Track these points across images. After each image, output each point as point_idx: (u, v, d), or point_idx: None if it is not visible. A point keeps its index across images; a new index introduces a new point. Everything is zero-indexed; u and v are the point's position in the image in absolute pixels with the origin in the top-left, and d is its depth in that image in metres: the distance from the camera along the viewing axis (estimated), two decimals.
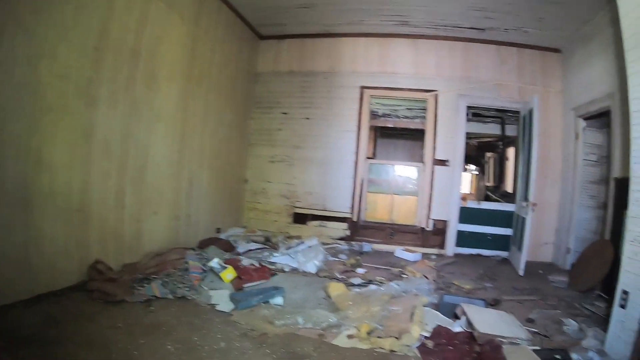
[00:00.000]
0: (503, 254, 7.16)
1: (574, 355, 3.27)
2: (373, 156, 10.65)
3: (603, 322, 3.86)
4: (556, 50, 7.20)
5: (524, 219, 6.20)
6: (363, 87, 7.38)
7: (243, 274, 4.44)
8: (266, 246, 6.00)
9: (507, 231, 7.21)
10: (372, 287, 4.54)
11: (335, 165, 7.41)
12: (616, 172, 5.19)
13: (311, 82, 7.47)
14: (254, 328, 3.33)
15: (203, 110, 5.89)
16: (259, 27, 7.30)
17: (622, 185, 4.47)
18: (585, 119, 6.39)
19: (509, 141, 9.82)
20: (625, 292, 3.44)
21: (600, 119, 6.10)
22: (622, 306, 3.43)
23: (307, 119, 7.44)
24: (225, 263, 4.48)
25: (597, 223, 6.27)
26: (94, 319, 3.24)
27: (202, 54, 5.76)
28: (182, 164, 5.47)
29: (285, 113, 7.52)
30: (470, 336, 3.41)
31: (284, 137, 7.52)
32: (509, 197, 8.44)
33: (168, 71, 5.06)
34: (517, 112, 7.35)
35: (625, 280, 3.48)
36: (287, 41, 7.62)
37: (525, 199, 6.26)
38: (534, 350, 3.28)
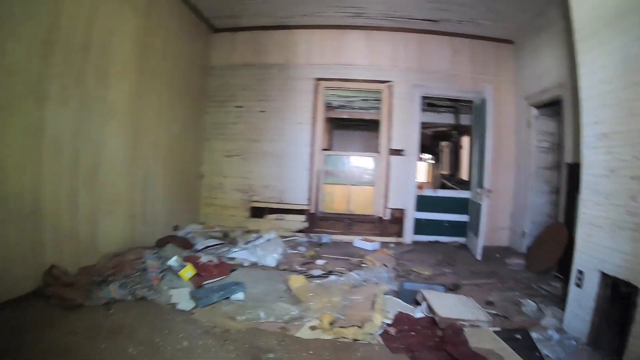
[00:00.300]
0: (460, 239, 7.28)
1: (533, 335, 3.34)
2: (329, 148, 10.64)
3: (560, 301, 3.96)
4: (509, 42, 7.34)
5: (479, 205, 6.30)
6: (318, 79, 7.29)
7: (202, 271, 4.32)
8: (225, 242, 5.87)
9: (463, 217, 7.33)
10: (333, 277, 4.51)
11: (292, 158, 7.32)
12: (568, 158, 5.35)
13: (266, 75, 7.32)
14: (216, 325, 3.26)
15: (157, 105, 5.65)
16: (212, 19, 7.09)
17: (574, 170, 4.60)
18: (537, 107, 6.55)
19: (463, 130, 10.01)
20: (580, 272, 3.53)
21: (551, 107, 6.25)
22: (578, 285, 3.52)
23: (262, 112, 7.30)
24: (184, 261, 4.36)
25: (551, 207, 6.47)
26: (54, 325, 3.08)
27: (155, 47, 5.53)
28: (136, 161, 5.24)
29: (240, 106, 7.34)
30: (431, 321, 3.44)
31: (239, 130, 7.35)
32: (465, 185, 8.60)
33: (120, 65, 4.81)
34: (471, 102, 7.44)
35: (579, 260, 3.59)
36: (242, 34, 7.44)
37: (480, 185, 6.36)
38: (495, 332, 3.33)
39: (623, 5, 3.05)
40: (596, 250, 3.36)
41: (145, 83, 5.32)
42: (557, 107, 5.86)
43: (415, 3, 6.28)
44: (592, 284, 3.33)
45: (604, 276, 3.23)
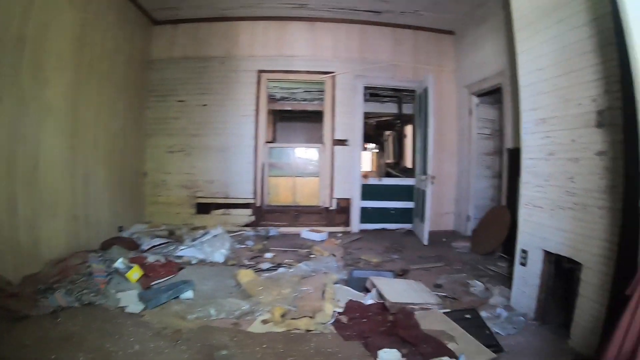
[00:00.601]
0: (407, 226, 7.41)
1: (483, 313, 3.45)
2: (273, 140, 10.57)
3: (507, 280, 4.12)
4: (450, 32, 7.52)
5: (424, 192, 6.45)
6: (260, 71, 7.16)
7: (150, 272, 4.18)
8: (171, 240, 5.69)
9: (409, 204, 7.47)
10: (282, 270, 4.49)
11: (235, 152, 7.17)
12: (508, 143, 5.56)
13: (207, 68, 7.12)
14: (167, 326, 3.15)
15: (95, 101, 5.35)
16: (152, 11, 6.78)
17: (514, 155, 4.79)
18: (478, 95, 6.77)
19: (406, 119, 10.19)
20: (524, 251, 3.68)
21: (492, 95, 6.48)
22: (523, 264, 3.67)
23: (204, 105, 7.09)
24: (130, 262, 4.19)
25: (494, 191, 6.73)
26: (1, 339, 2.87)
27: (93, 41, 5.22)
28: (76, 161, 4.94)
29: (181, 101, 7.10)
30: (382, 307, 3.46)
31: (181, 125, 7.11)
32: (409, 172, 8.78)
33: (56, 60, 4.50)
34: (413, 91, 7.57)
35: (523, 240, 3.76)
36: (182, 26, 7.17)
37: (424, 172, 6.50)
38: (445, 313, 3.42)
39: None
40: (538, 229, 3.52)
41: (83, 78, 5.02)
42: (498, 95, 6.08)
43: None
44: (536, 262, 3.50)
45: (547, 254, 3.39)
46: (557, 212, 3.28)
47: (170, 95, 7.05)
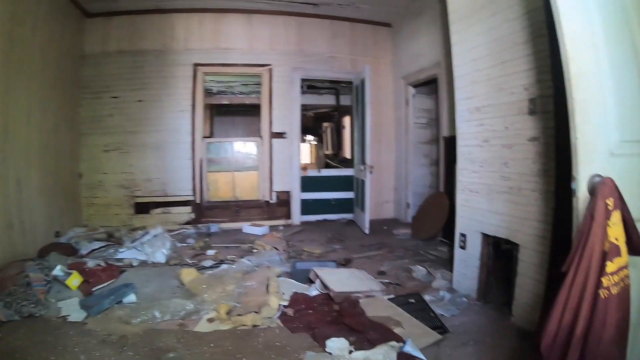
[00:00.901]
0: (348, 216, 7.52)
1: (426, 297, 3.58)
2: (211, 135, 10.36)
3: (448, 264, 4.27)
4: (387, 25, 7.66)
5: (363, 182, 6.57)
6: (197, 65, 6.96)
7: (90, 277, 3.99)
8: (110, 243, 5.47)
9: (349, 194, 7.57)
10: (224, 266, 4.44)
11: (172, 148, 6.95)
12: (445, 132, 5.76)
13: (143, 62, 6.81)
14: (112, 332, 3.03)
15: (26, 100, 4.97)
16: (85, 3, 6.35)
17: (451, 143, 4.97)
18: (415, 86, 6.95)
19: (344, 110, 10.30)
20: (463, 235, 3.84)
21: (428, 85, 6.68)
22: (462, 247, 3.82)
23: (140, 101, 6.79)
24: (69, 268, 3.96)
25: (432, 178, 6.96)
26: None
27: (22, 35, 4.84)
28: (7, 164, 4.56)
29: (116, 97, 6.75)
30: (327, 297, 3.50)
31: (116, 122, 6.76)
32: (348, 163, 8.87)
33: None
34: (351, 83, 7.65)
35: (461, 224, 3.92)
36: (117, 19, 6.79)
37: (363, 162, 6.61)
38: (390, 299, 3.51)
39: None
40: (475, 213, 3.68)
41: (12, 76, 4.65)
42: (434, 85, 6.28)
43: None
44: (475, 245, 3.65)
45: (485, 236, 3.55)
46: (493, 196, 3.44)
47: (105, 92, 6.67)
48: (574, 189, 1.82)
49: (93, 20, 6.70)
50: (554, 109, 2.73)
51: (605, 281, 1.61)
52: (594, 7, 1.83)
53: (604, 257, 1.63)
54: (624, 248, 1.65)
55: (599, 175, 1.73)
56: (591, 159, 1.79)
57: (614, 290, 1.63)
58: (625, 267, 1.66)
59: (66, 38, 6.04)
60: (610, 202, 1.64)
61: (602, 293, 1.62)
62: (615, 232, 1.63)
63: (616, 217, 1.64)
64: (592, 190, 1.73)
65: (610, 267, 1.62)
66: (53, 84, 5.66)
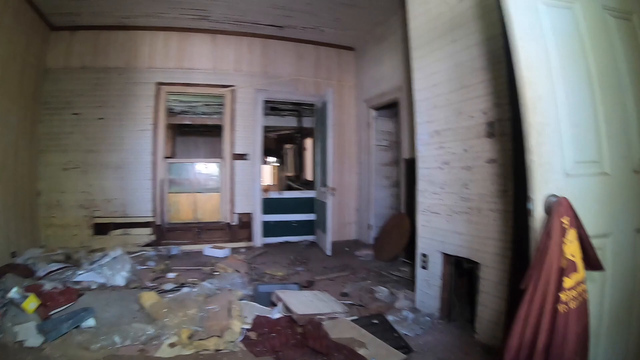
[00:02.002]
0: (310, 238, 7.51)
1: (390, 317, 3.60)
2: (172, 155, 10.23)
3: (411, 284, 4.31)
4: (350, 49, 7.82)
5: (325, 203, 6.58)
6: (159, 84, 6.88)
7: (48, 300, 3.82)
8: (68, 264, 5.25)
9: (311, 216, 7.59)
10: (186, 290, 4.31)
11: (133, 168, 6.80)
12: (405, 154, 5.87)
13: (105, 79, 6.68)
14: (71, 358, 2.94)
15: None
16: (50, 16, 6.22)
17: (411, 165, 5.03)
18: (377, 109, 7.09)
19: (307, 132, 10.38)
20: (424, 255, 3.90)
21: (389, 109, 6.82)
22: (424, 267, 3.88)
23: (101, 119, 6.63)
24: (26, 291, 3.78)
25: (393, 199, 7.05)
26: None
27: None
28: None
29: (76, 114, 6.57)
30: (290, 320, 3.47)
31: (76, 140, 6.58)
32: (310, 185, 8.91)
33: None
34: (313, 105, 7.75)
35: (422, 245, 3.99)
36: (80, 33, 6.66)
37: (325, 184, 6.64)
38: (353, 320, 3.51)
39: (455, 19, 3.46)
40: (436, 234, 3.76)
41: None
42: (395, 109, 6.41)
43: (261, 9, 6.29)
44: (436, 265, 3.72)
45: (446, 256, 3.63)
46: (453, 216, 3.53)
47: (65, 108, 6.48)
48: (531, 209, 1.90)
49: (57, 33, 6.56)
50: (512, 131, 2.84)
51: (563, 296, 1.68)
52: (549, 33, 1.94)
53: (562, 273, 1.70)
54: (580, 264, 1.72)
55: (555, 195, 1.81)
56: (547, 179, 1.87)
57: (573, 305, 1.69)
58: (583, 282, 1.73)
59: (29, 51, 5.86)
60: (565, 220, 1.71)
61: (561, 308, 1.68)
62: (572, 249, 1.70)
63: (572, 235, 1.71)
64: (548, 210, 1.81)
65: (568, 282, 1.68)
66: (15, 97, 5.47)
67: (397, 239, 5.73)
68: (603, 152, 2.03)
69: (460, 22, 3.39)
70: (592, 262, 1.77)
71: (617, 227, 2.05)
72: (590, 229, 1.79)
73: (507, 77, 2.80)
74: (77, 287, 4.45)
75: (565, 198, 1.76)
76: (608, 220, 2.02)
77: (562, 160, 1.90)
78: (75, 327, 3.40)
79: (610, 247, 2.02)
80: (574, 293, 1.69)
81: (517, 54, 1.91)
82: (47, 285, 4.13)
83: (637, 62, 2.22)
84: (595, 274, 1.88)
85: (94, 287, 4.58)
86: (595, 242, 1.81)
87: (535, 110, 1.88)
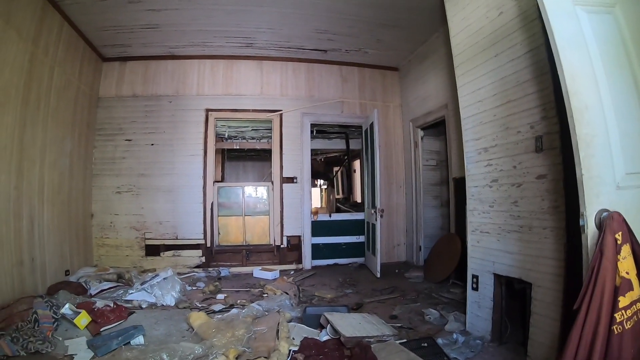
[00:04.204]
0: (359, 260, 7.44)
1: (439, 340, 3.47)
2: (222, 179, 10.44)
3: (461, 306, 4.17)
4: (394, 69, 7.84)
5: (374, 225, 6.52)
6: (208, 110, 7.13)
7: (98, 317, 3.97)
8: (120, 284, 5.45)
9: (360, 238, 7.53)
10: (234, 311, 4.37)
11: (184, 192, 7.02)
12: (454, 173, 5.77)
13: (155, 107, 7.01)
14: None
15: (42, 139, 5.11)
16: (101, 47, 6.65)
17: (460, 184, 4.96)
18: (423, 128, 7.03)
19: (354, 154, 10.38)
20: (475, 276, 3.77)
21: (436, 127, 6.77)
22: (475, 289, 3.74)
23: (152, 144, 6.94)
24: (78, 307, 3.98)
25: (443, 220, 6.93)
26: None
27: (41, 75, 5.04)
28: (20, 202, 4.64)
29: (129, 140, 6.92)
30: (338, 342, 3.41)
31: (128, 165, 6.90)
32: (359, 207, 8.85)
33: (2, 95, 4.31)
34: (360, 127, 7.75)
35: (473, 265, 3.85)
36: (131, 63, 7.06)
37: (373, 206, 6.58)
38: (402, 343, 3.40)
39: (496, 32, 3.42)
40: (487, 254, 3.63)
41: (30, 114, 4.81)
42: (442, 127, 6.33)
43: (304, 34, 6.43)
44: (487, 286, 3.59)
45: (497, 277, 3.49)
46: (503, 235, 3.40)
47: (118, 134, 6.84)
48: (582, 225, 1.81)
49: (108, 64, 6.97)
50: (561, 145, 2.73)
51: (618, 316, 1.59)
52: (592, 42, 1.88)
53: (616, 292, 1.60)
54: (636, 281, 1.62)
55: (606, 210, 1.72)
56: (598, 193, 1.78)
57: (628, 325, 1.59)
58: (639, 300, 1.62)
59: (83, 80, 6.25)
60: (619, 236, 1.62)
61: (616, 329, 1.58)
62: (626, 266, 1.61)
63: (626, 251, 1.62)
64: (600, 225, 1.72)
65: (623, 302, 1.59)
66: (69, 124, 5.84)
67: (447, 260, 5.58)
68: None
69: (501, 35, 3.34)
70: None
71: None
72: None
73: (553, 88, 2.72)
74: (128, 305, 4.59)
75: (617, 212, 1.67)
76: None
77: (612, 173, 1.82)
78: (125, 344, 3.48)
79: None
80: (629, 313, 1.60)
81: (560, 64, 1.85)
82: (99, 303, 4.28)
83: None
84: None
85: (144, 306, 4.71)
86: None
87: (582, 121, 1.81)
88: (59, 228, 5.51)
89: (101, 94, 6.88)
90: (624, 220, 1.65)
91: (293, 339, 3.53)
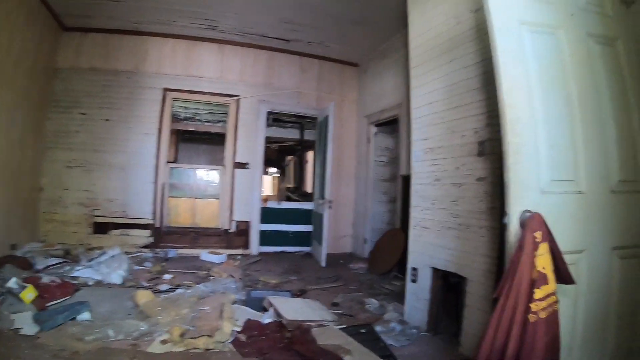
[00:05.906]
0: (306, 249, 7.59)
1: (377, 328, 3.66)
2: (175, 160, 10.33)
3: (401, 297, 4.33)
4: (354, 64, 7.98)
5: (321, 216, 6.67)
6: (166, 89, 7.02)
7: (45, 292, 3.92)
8: (67, 260, 5.36)
9: (308, 228, 7.68)
10: (180, 291, 4.41)
11: (136, 170, 6.91)
12: (403, 170, 5.99)
13: (113, 82, 6.81)
14: (64, 347, 3.00)
15: None
16: (63, 16, 6.38)
17: (407, 181, 5.12)
18: (377, 125, 7.21)
19: (308, 145, 10.46)
20: (414, 269, 3.98)
21: (390, 125, 6.95)
22: (414, 281, 3.95)
23: (107, 120, 6.75)
24: (24, 282, 3.90)
25: (389, 215, 7.13)
26: None
27: None
28: None
29: (84, 114, 6.69)
30: (280, 325, 3.54)
31: (82, 139, 6.69)
32: (309, 197, 8.98)
33: None
34: (316, 118, 7.87)
35: (413, 259, 4.06)
36: (92, 35, 6.81)
37: (322, 197, 6.74)
38: (341, 329, 3.57)
39: (453, 40, 3.58)
40: (426, 248, 3.85)
41: None
42: (395, 125, 6.55)
43: (269, 22, 6.45)
44: (425, 279, 3.80)
45: (435, 270, 3.70)
46: (443, 232, 3.62)
47: (73, 108, 6.60)
48: (506, 223, 2.00)
49: (69, 34, 6.71)
50: (501, 151, 2.91)
51: (533, 306, 1.76)
52: (531, 58, 2.05)
53: (533, 284, 1.78)
54: (551, 276, 1.80)
55: (529, 211, 1.90)
56: (522, 195, 1.97)
57: (542, 315, 1.77)
58: (553, 294, 1.81)
59: (42, 50, 6.01)
60: (538, 234, 1.81)
61: (531, 317, 1.76)
62: (543, 262, 1.79)
63: (544, 248, 1.80)
64: (523, 224, 1.90)
65: (539, 293, 1.77)
66: (23, 94, 5.59)
67: (391, 253, 5.81)
68: (580, 172, 2.13)
69: (457, 43, 3.51)
70: (563, 275, 1.86)
71: (593, 243, 2.15)
72: (564, 244, 1.88)
73: (498, 98, 2.91)
74: (74, 282, 4.54)
75: (538, 213, 1.85)
76: (583, 236, 2.12)
77: (537, 178, 2.01)
78: (71, 319, 3.48)
79: (584, 262, 2.12)
80: (544, 304, 1.77)
81: (499, 77, 2.03)
82: (45, 278, 4.21)
83: (619, 87, 2.34)
84: (569, 288, 1.98)
85: (90, 283, 4.68)
86: (569, 258, 1.91)
87: (513, 132, 1.99)
88: (6, 200, 5.29)
89: (59, 64, 6.62)
90: (544, 221, 1.83)
91: (236, 320, 3.60)
